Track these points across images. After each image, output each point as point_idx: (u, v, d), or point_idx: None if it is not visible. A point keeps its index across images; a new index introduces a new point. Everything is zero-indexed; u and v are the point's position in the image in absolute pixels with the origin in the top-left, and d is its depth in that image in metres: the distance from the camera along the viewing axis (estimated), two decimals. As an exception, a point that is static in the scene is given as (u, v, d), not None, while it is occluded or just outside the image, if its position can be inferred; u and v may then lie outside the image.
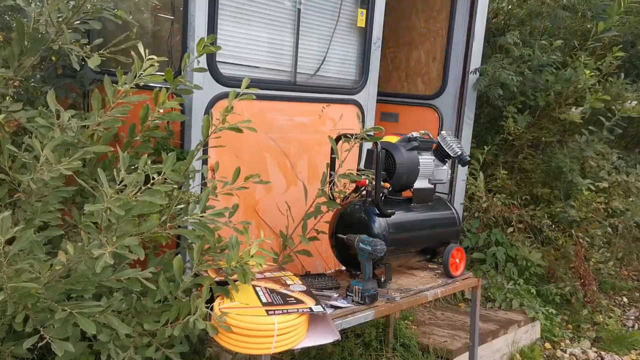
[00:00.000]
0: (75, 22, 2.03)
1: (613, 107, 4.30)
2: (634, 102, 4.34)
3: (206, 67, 2.39)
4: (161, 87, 2.03)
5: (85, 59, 2.02)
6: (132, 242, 1.65)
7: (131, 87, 1.92)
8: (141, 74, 1.88)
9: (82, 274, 1.66)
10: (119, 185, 1.62)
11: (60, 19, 1.99)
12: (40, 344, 1.65)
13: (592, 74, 4.07)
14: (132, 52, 1.91)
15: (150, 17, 2.80)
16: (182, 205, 1.97)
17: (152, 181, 1.71)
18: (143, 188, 1.67)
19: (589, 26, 4.40)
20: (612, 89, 4.28)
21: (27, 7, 2.01)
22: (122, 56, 2.07)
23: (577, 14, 4.68)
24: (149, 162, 1.73)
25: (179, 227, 1.93)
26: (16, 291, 1.59)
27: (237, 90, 2.06)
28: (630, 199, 4.49)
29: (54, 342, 1.64)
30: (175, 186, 2.01)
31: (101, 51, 2.02)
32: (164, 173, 1.75)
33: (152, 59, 1.89)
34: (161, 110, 2.02)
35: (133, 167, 1.77)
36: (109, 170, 2.13)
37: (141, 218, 1.76)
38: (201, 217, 1.85)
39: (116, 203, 1.58)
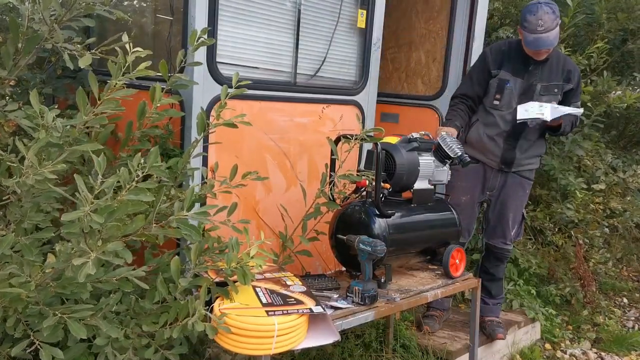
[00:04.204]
0: (68, 21, 2.02)
1: (602, 102, 4.31)
2: (619, 92, 4.35)
3: (206, 66, 2.39)
4: (156, 82, 2.03)
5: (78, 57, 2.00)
6: (116, 246, 1.59)
7: (128, 87, 1.91)
8: (129, 66, 1.85)
9: (71, 276, 1.64)
10: (98, 189, 1.55)
11: (52, 17, 1.99)
12: (31, 348, 1.64)
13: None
14: (116, 47, 1.89)
15: (150, 18, 2.80)
16: (168, 204, 1.93)
17: (135, 178, 1.65)
18: (128, 186, 1.62)
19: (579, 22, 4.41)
20: (598, 86, 4.29)
21: (21, 6, 2.01)
22: (115, 56, 2.06)
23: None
24: (142, 161, 1.70)
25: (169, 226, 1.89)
26: (4, 296, 1.57)
27: (231, 90, 2.06)
28: (628, 199, 4.50)
29: (43, 347, 1.63)
30: (169, 182, 1.99)
31: (93, 50, 2.01)
32: (148, 169, 1.70)
33: (138, 51, 1.87)
34: (158, 105, 2.01)
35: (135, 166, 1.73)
36: (108, 169, 2.13)
37: (132, 218, 1.73)
38: (185, 216, 1.79)
39: (98, 208, 1.53)
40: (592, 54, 4.32)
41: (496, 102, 3.18)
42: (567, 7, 4.13)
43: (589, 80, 4.41)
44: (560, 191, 4.40)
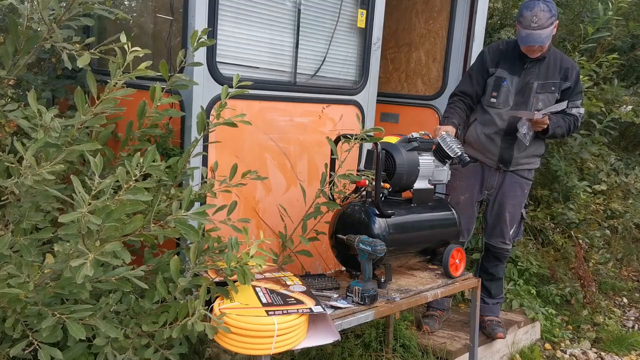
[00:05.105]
0: (67, 20, 2.01)
1: (612, 110, 4.34)
2: (629, 107, 4.39)
3: (206, 66, 2.39)
4: (157, 82, 2.03)
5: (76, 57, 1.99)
6: (114, 247, 1.58)
7: (128, 87, 1.90)
8: (128, 65, 1.84)
9: (70, 277, 1.63)
10: (95, 190, 1.53)
11: (51, 17, 1.98)
12: (30, 349, 1.64)
13: (588, 77, 4.09)
14: (115, 47, 1.88)
15: (150, 18, 2.79)
16: (167, 203, 1.91)
17: (133, 178, 1.64)
18: (125, 186, 1.61)
19: (581, 27, 4.43)
20: (607, 94, 4.32)
21: (20, 5, 2.00)
22: (113, 57, 2.06)
23: (574, 12, 4.71)
24: (141, 160, 1.69)
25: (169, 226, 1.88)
26: (3, 296, 1.57)
27: (231, 90, 2.06)
28: (630, 201, 4.51)
29: (42, 347, 1.62)
30: (168, 182, 1.99)
31: (92, 50, 2.01)
32: (145, 169, 1.68)
33: (136, 51, 1.87)
34: (158, 104, 2.00)
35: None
36: (108, 169, 2.12)
37: (131, 217, 1.72)
38: (184, 215, 1.77)
39: (95, 209, 1.51)
40: (603, 62, 4.35)
41: (493, 100, 3.20)
42: (597, 19, 4.18)
43: (597, 90, 4.44)
44: (562, 192, 4.41)
